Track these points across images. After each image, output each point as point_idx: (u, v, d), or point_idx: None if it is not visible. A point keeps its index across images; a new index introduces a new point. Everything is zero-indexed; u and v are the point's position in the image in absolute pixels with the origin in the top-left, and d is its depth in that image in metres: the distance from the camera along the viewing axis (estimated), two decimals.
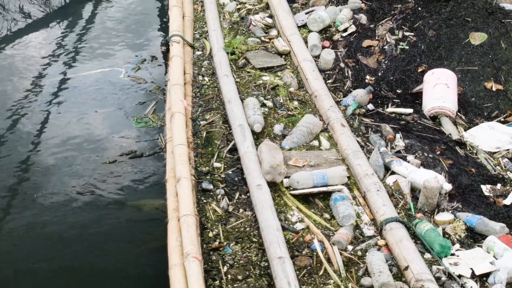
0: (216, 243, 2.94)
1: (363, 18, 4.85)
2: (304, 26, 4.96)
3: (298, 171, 3.32)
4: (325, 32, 4.86)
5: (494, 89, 4.10)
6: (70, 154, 3.86)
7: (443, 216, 3.08)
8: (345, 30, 4.79)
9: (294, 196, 3.22)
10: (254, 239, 2.97)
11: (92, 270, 3.07)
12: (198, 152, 3.60)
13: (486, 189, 3.34)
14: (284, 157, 3.41)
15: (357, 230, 3.04)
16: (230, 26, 5.11)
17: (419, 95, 4.15)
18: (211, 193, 3.28)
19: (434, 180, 3.12)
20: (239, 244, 2.94)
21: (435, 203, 3.14)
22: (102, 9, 5.98)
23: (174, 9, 5.08)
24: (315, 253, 2.86)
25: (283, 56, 4.65)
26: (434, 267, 2.77)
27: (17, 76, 4.75)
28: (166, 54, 4.80)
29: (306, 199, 3.23)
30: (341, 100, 4.08)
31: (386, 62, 4.43)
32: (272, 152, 3.34)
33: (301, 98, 4.14)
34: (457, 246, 2.93)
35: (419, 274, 2.62)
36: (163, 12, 5.78)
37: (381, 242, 2.93)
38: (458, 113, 4.02)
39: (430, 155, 3.51)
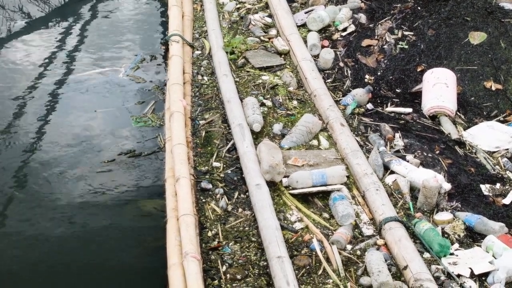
0: (215, 242, 2.93)
1: (362, 18, 4.85)
2: (304, 25, 4.96)
3: (297, 170, 3.32)
4: (325, 32, 4.86)
5: (493, 88, 4.10)
6: (69, 153, 3.86)
7: (442, 216, 3.08)
8: (344, 29, 4.79)
9: (293, 195, 3.21)
10: (253, 239, 2.96)
11: (90, 269, 3.06)
12: (197, 151, 3.60)
13: (485, 188, 3.34)
14: (283, 157, 3.40)
15: (356, 230, 3.04)
16: (229, 26, 5.11)
17: (418, 94, 4.14)
18: (210, 192, 3.28)
19: (433, 180, 3.11)
20: (238, 244, 2.94)
21: (434, 202, 3.14)
22: (101, 8, 5.98)
23: (173, 9, 5.08)
24: (314, 253, 2.86)
25: (283, 56, 4.65)
26: (433, 267, 2.77)
27: (16, 76, 4.74)
28: (165, 53, 4.80)
29: (305, 198, 3.22)
30: (340, 100, 4.07)
31: (385, 61, 4.42)
32: (271, 151, 3.33)
33: (301, 98, 4.13)
34: (456, 245, 2.93)
35: (418, 274, 2.62)
36: (163, 12, 5.77)
37: (380, 241, 2.93)
38: (458, 113, 4.02)
39: (429, 155, 3.51)
